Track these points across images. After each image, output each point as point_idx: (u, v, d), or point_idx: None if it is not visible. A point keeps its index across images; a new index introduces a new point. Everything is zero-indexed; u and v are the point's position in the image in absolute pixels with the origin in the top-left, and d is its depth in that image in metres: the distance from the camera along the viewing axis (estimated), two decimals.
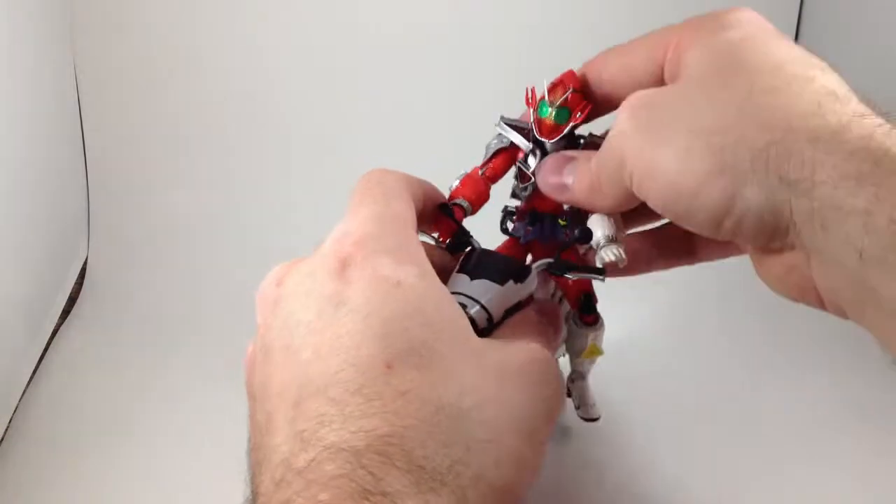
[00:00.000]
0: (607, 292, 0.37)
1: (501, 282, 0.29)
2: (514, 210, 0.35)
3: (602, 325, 0.36)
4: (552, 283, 0.35)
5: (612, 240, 0.30)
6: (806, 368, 0.48)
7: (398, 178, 0.28)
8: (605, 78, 0.30)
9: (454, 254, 0.32)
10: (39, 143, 0.52)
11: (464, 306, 0.27)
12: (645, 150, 0.25)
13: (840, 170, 0.21)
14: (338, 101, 0.61)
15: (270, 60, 0.60)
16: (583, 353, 0.37)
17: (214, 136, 0.60)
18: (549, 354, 0.26)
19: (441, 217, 0.32)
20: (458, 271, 0.30)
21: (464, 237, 0.32)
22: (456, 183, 0.33)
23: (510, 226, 0.35)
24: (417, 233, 0.27)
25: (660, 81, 0.28)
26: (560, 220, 0.33)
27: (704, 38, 0.26)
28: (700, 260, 0.33)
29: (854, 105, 0.23)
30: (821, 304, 0.25)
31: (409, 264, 0.24)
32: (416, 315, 0.23)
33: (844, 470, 0.41)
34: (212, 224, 0.59)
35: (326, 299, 0.23)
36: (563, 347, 0.38)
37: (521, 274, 0.30)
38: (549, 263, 0.32)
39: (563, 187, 0.30)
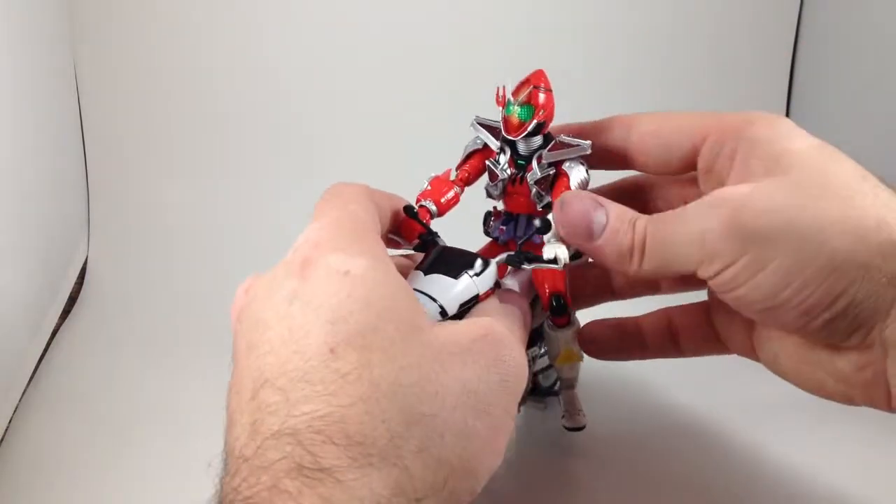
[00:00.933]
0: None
1: (456, 275, 0.29)
2: (493, 211, 0.36)
3: (575, 326, 0.36)
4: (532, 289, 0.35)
5: (562, 240, 0.31)
6: None
7: (356, 187, 0.30)
8: (633, 138, 0.31)
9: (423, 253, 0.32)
10: (39, 144, 0.52)
11: None
12: (751, 251, 0.26)
13: None
14: (338, 102, 0.61)
15: (270, 61, 0.61)
16: (558, 358, 0.37)
17: (214, 137, 0.61)
18: (502, 328, 0.27)
19: (407, 221, 0.32)
20: (416, 269, 0.30)
21: (430, 237, 0.32)
22: (425, 184, 0.34)
23: (491, 226, 0.36)
24: (380, 234, 0.28)
25: (691, 163, 0.30)
26: (535, 221, 0.34)
27: (776, 143, 0.27)
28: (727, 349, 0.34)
29: None
30: (887, 401, 0.26)
31: (359, 256, 0.25)
32: (362, 300, 0.24)
33: (849, 469, 0.41)
34: (212, 224, 0.59)
35: (284, 297, 0.24)
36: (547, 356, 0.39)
37: (479, 266, 0.30)
38: (509, 255, 0.32)
39: (590, 233, 0.29)
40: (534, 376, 0.41)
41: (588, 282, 0.37)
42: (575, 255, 0.31)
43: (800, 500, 0.40)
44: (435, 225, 0.33)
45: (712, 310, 0.33)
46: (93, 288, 0.55)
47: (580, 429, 0.40)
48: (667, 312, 0.35)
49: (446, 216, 0.34)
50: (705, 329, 0.34)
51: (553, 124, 0.33)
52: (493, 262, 0.31)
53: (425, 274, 0.29)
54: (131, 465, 0.42)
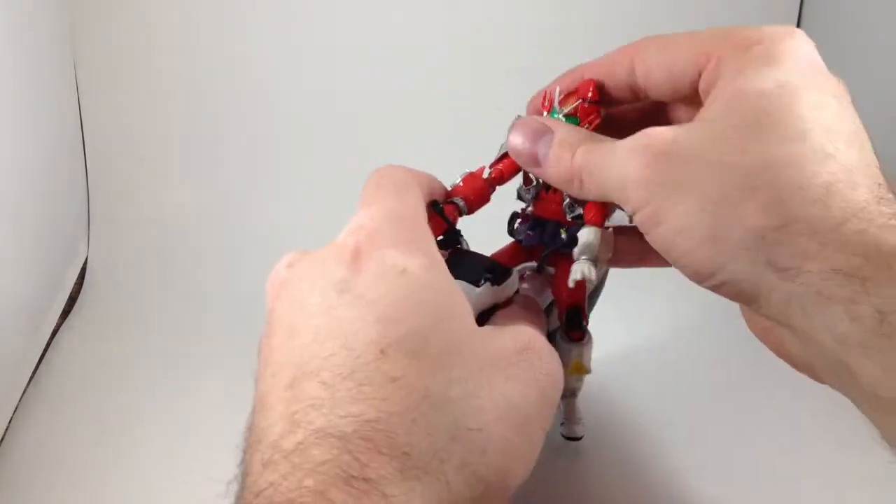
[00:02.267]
0: (613, 302, 0.37)
1: (476, 283, 0.29)
2: (520, 213, 0.35)
3: (589, 342, 0.36)
4: (549, 293, 0.35)
5: (590, 258, 0.30)
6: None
7: (407, 173, 0.29)
8: (640, 69, 0.30)
9: (444, 250, 0.32)
10: (39, 144, 0.52)
11: None
12: (653, 203, 0.25)
13: (830, 262, 0.22)
14: (338, 101, 0.61)
15: (271, 61, 0.60)
16: (568, 370, 0.37)
17: (215, 137, 0.61)
18: (543, 339, 0.26)
19: (433, 215, 0.31)
20: None
21: (453, 236, 0.32)
22: (458, 180, 0.33)
23: (515, 227, 0.35)
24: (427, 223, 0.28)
25: (696, 89, 0.28)
26: (562, 229, 0.33)
27: (741, 77, 0.26)
28: None
29: (863, 191, 0.24)
30: (795, 365, 0.26)
31: (417, 255, 0.24)
32: (417, 303, 0.23)
33: (851, 474, 0.41)
34: (212, 224, 0.59)
35: (333, 285, 0.24)
36: None
37: (498, 276, 0.29)
38: (531, 267, 0.32)
39: (533, 159, 0.30)
40: None
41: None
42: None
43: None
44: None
45: None
46: (93, 288, 0.55)
47: (577, 439, 0.40)
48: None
49: (476, 214, 0.34)
50: None
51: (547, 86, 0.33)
52: (515, 272, 0.30)
53: None
54: (131, 465, 0.42)
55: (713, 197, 0.24)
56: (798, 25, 0.64)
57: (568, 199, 0.32)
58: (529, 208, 0.35)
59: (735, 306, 0.27)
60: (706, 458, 0.42)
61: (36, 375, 0.48)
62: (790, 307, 0.23)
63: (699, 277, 0.25)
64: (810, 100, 0.26)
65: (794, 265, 0.23)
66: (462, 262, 0.30)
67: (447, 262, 0.29)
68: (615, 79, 0.31)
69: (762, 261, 0.24)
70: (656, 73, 0.29)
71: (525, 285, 0.34)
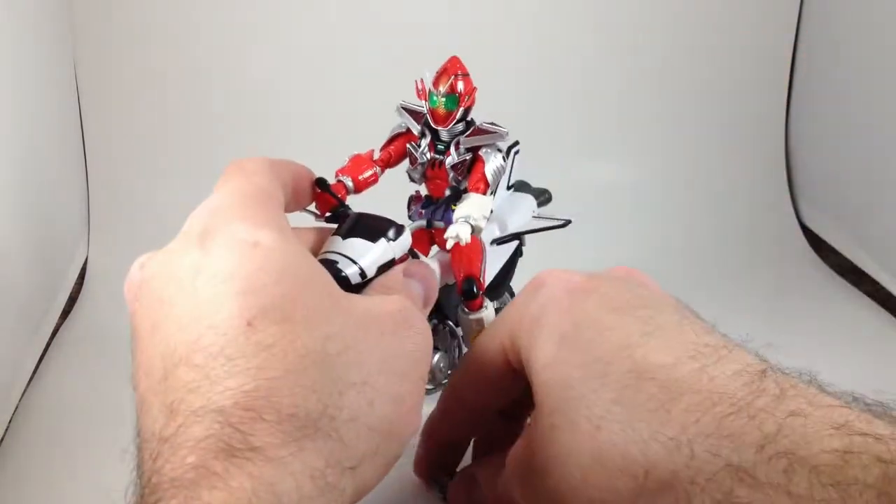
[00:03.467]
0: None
1: (373, 239, 0.29)
2: (415, 195, 0.36)
3: (487, 310, 0.37)
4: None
5: (467, 220, 0.31)
6: None
7: (258, 160, 0.29)
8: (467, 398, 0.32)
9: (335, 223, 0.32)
10: (40, 144, 0.52)
11: (335, 263, 0.28)
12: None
13: None
14: (338, 102, 0.61)
15: (271, 62, 0.61)
16: (472, 338, 0.38)
17: (214, 136, 0.61)
18: (409, 304, 0.27)
19: (320, 193, 0.32)
20: (334, 234, 0.30)
21: (343, 209, 0.32)
22: (346, 161, 0.35)
23: (412, 210, 0.36)
24: (282, 205, 0.28)
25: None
26: (453, 206, 0.34)
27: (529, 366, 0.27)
28: None
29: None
30: None
31: (266, 227, 0.24)
32: (275, 272, 0.23)
33: None
34: None
35: (186, 271, 0.23)
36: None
37: (395, 233, 0.30)
38: (420, 225, 0.33)
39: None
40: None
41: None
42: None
43: None
44: (354, 203, 0.34)
45: None
46: (93, 288, 0.55)
47: None
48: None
49: (376, 201, 0.34)
50: None
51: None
52: (408, 229, 0.31)
53: (343, 238, 0.29)
54: (130, 465, 0.42)
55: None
56: (798, 25, 0.64)
57: (452, 174, 0.34)
58: (424, 191, 0.36)
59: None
60: None
61: (36, 375, 0.48)
62: None
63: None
64: (577, 374, 0.25)
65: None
66: (357, 223, 0.30)
67: (342, 225, 0.30)
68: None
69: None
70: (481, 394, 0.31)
71: (431, 261, 0.35)
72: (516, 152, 0.35)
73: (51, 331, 0.51)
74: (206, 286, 0.23)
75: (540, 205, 0.40)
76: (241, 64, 0.60)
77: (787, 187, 0.66)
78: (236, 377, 0.21)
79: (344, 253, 0.28)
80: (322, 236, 0.31)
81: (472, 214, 0.32)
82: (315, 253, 0.29)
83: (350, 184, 0.34)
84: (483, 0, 0.61)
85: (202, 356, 0.21)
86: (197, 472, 0.19)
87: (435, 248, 0.37)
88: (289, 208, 0.30)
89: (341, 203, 0.32)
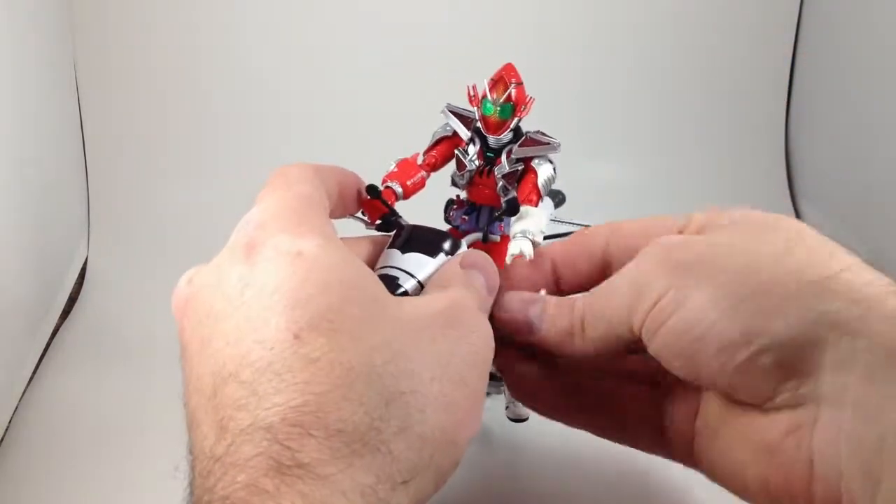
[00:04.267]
0: None
1: (432, 253, 0.29)
2: (456, 200, 0.36)
3: None
4: None
5: (527, 235, 0.31)
6: None
7: (301, 167, 0.28)
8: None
9: (386, 233, 0.32)
10: (40, 144, 0.52)
11: (395, 279, 0.27)
12: (676, 286, 0.25)
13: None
14: (338, 101, 0.61)
15: (271, 62, 0.61)
16: None
17: (215, 137, 0.61)
18: (467, 297, 0.26)
19: (370, 200, 0.32)
20: (389, 247, 0.30)
21: (392, 219, 0.32)
22: (392, 166, 0.33)
23: (451, 214, 0.36)
24: (328, 211, 0.28)
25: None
26: (497, 214, 0.34)
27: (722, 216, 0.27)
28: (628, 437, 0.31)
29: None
30: (805, 489, 0.23)
31: (309, 236, 0.24)
32: (320, 282, 0.23)
33: None
34: (212, 224, 0.59)
35: (233, 285, 0.23)
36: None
37: (451, 247, 0.30)
38: (478, 238, 0.32)
39: (526, 324, 0.29)
40: None
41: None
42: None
43: None
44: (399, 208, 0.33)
45: (661, 397, 0.30)
46: (93, 288, 0.55)
47: (524, 420, 0.40)
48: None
49: (409, 202, 0.34)
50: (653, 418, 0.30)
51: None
52: (464, 242, 0.31)
53: (402, 252, 0.29)
54: (131, 466, 0.42)
55: (744, 268, 0.24)
56: (798, 25, 0.64)
57: (502, 183, 0.33)
58: (464, 195, 0.35)
59: None
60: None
61: (36, 375, 0.48)
62: (848, 373, 0.21)
63: (730, 351, 0.23)
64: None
65: (854, 315, 0.21)
66: (413, 236, 0.30)
67: (397, 237, 0.30)
68: (587, 258, 0.31)
69: (814, 312, 0.22)
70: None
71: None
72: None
73: (51, 331, 0.51)
74: (253, 300, 0.22)
75: (555, 206, 0.40)
76: (242, 64, 0.60)
77: (787, 187, 0.66)
78: (283, 393, 0.21)
79: (403, 268, 0.28)
80: (377, 247, 0.30)
81: (529, 229, 0.31)
82: (370, 265, 0.29)
83: (399, 190, 0.33)
84: (484, 0, 0.61)
85: (250, 371, 0.21)
86: (248, 491, 0.19)
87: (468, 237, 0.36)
88: (334, 214, 0.29)
89: (392, 211, 0.32)
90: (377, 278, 0.25)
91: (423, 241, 0.30)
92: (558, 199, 0.41)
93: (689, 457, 0.28)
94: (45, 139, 0.54)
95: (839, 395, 0.22)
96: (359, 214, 0.32)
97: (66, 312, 0.53)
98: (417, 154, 0.34)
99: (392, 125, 0.61)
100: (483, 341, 0.26)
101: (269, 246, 0.24)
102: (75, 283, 0.55)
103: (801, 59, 0.65)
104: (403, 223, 0.32)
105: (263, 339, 0.22)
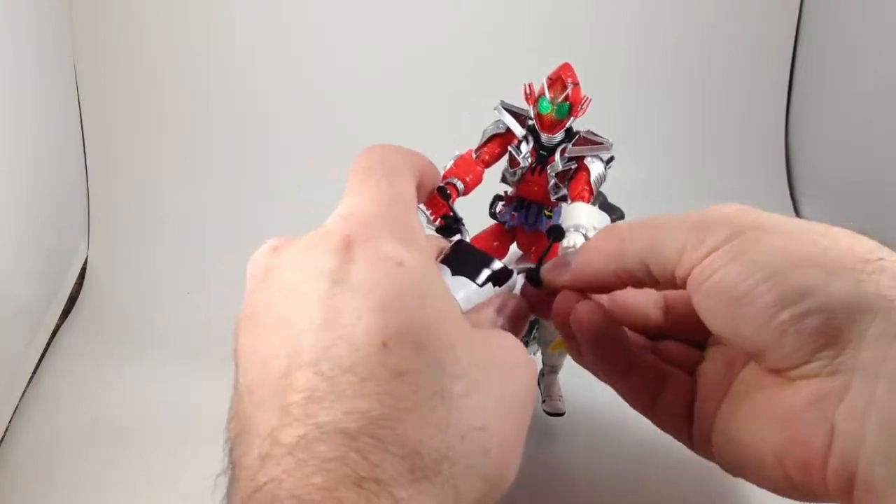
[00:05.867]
0: None
1: (482, 283, 0.29)
2: (503, 195, 0.36)
3: None
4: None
5: (580, 230, 0.31)
6: None
7: (400, 155, 0.28)
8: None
9: (445, 237, 0.32)
10: (39, 144, 0.52)
11: None
12: (743, 234, 0.24)
13: None
14: (337, 101, 0.61)
15: (270, 60, 0.61)
16: (551, 346, 0.38)
17: (214, 136, 0.61)
18: (518, 340, 0.26)
19: (435, 197, 0.32)
20: (442, 261, 0.29)
21: (455, 223, 0.32)
22: (450, 164, 0.34)
23: (499, 209, 0.36)
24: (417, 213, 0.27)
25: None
26: (546, 212, 0.34)
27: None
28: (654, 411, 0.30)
29: None
30: (821, 464, 0.22)
31: (412, 249, 0.24)
32: (416, 297, 0.22)
33: None
34: (212, 224, 0.59)
35: (326, 274, 0.22)
36: (536, 342, 0.38)
37: (501, 278, 0.29)
38: (529, 270, 0.31)
39: (566, 263, 0.29)
40: None
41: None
42: None
43: None
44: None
45: (698, 378, 0.30)
46: (93, 288, 0.55)
47: (560, 414, 0.40)
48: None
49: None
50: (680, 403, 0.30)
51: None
52: (516, 273, 0.30)
53: (453, 273, 0.29)
54: (131, 465, 0.42)
55: (808, 229, 0.24)
56: (798, 25, 0.64)
57: (554, 181, 0.33)
58: (511, 191, 0.35)
59: None
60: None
61: (36, 375, 0.48)
62: (889, 345, 0.21)
63: (776, 308, 0.23)
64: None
65: None
66: (466, 257, 0.29)
67: (450, 255, 0.29)
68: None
69: (870, 283, 0.22)
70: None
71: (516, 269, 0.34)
72: (611, 162, 0.35)
73: (51, 331, 0.51)
74: (345, 296, 0.22)
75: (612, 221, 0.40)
76: (242, 64, 0.60)
77: (787, 187, 0.66)
78: (365, 399, 0.20)
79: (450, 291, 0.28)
80: (437, 251, 0.30)
81: (582, 224, 0.31)
82: None
83: (461, 186, 0.33)
84: (484, 0, 0.61)
85: (329, 366, 0.21)
86: (323, 496, 0.19)
87: (514, 247, 0.37)
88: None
89: (455, 214, 0.32)
90: (456, 301, 0.25)
91: (471, 264, 0.29)
92: (616, 214, 0.41)
93: (706, 443, 0.28)
94: (45, 139, 0.54)
95: (876, 366, 0.22)
96: (421, 207, 0.32)
97: (66, 312, 0.53)
98: (471, 150, 0.34)
99: (393, 125, 0.61)
100: (532, 381, 0.25)
101: (371, 247, 0.23)
102: (75, 283, 0.55)
103: (801, 59, 0.65)
104: (463, 233, 0.32)
105: (350, 337, 0.21)
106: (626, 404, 0.31)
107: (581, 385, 0.43)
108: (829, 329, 0.22)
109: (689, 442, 0.29)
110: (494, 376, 0.23)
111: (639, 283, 0.27)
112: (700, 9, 0.63)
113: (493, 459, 0.22)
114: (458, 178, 0.33)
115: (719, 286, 0.24)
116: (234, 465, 0.21)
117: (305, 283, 0.23)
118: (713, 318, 0.25)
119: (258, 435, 0.21)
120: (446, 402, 0.21)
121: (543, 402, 0.40)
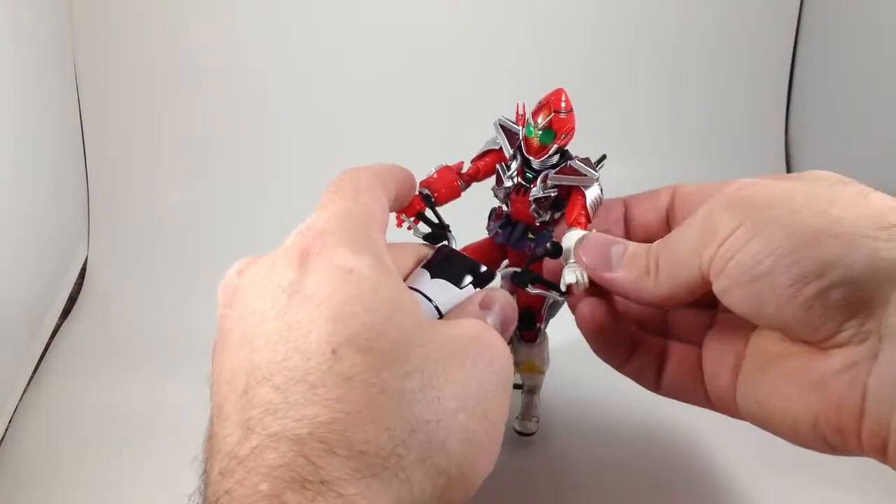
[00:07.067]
0: None
1: (460, 285, 0.29)
2: (498, 210, 0.36)
3: (543, 343, 0.37)
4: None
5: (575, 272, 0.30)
6: None
7: (370, 173, 0.28)
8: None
9: (431, 244, 0.32)
10: (40, 143, 0.52)
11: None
12: (748, 220, 0.24)
13: None
14: (337, 101, 0.61)
15: (269, 61, 0.61)
16: (520, 367, 0.38)
17: (214, 137, 0.61)
18: (491, 330, 0.26)
19: (415, 200, 0.32)
20: (423, 266, 0.29)
21: (441, 231, 0.32)
22: (432, 171, 0.34)
23: (488, 224, 0.36)
24: (386, 227, 0.28)
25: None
26: (529, 233, 0.34)
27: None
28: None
29: None
30: (856, 427, 0.23)
31: (365, 254, 0.24)
32: (365, 301, 0.23)
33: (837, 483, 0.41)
34: (212, 224, 0.59)
35: (282, 289, 0.24)
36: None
37: (482, 279, 0.29)
38: (515, 272, 0.32)
39: (605, 261, 0.29)
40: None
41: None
42: (561, 290, 0.31)
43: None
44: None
45: (705, 344, 0.31)
46: (93, 288, 0.55)
47: (529, 435, 0.40)
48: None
49: (456, 204, 0.34)
50: (693, 364, 0.31)
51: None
52: (498, 275, 0.30)
53: (431, 277, 0.29)
54: (130, 465, 0.42)
55: (812, 206, 0.24)
56: (798, 25, 0.64)
57: (534, 205, 0.33)
58: (506, 208, 0.35)
59: None
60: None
61: (36, 375, 0.48)
62: None
63: (800, 285, 0.23)
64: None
65: None
66: (447, 261, 0.30)
67: (433, 259, 0.30)
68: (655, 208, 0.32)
69: (886, 247, 0.22)
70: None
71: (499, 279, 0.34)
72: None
73: (51, 331, 0.51)
74: (300, 307, 0.23)
75: None
76: (242, 64, 0.60)
77: None
78: (314, 406, 0.21)
79: (426, 293, 0.28)
80: (417, 258, 0.30)
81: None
82: (404, 277, 0.29)
83: (433, 197, 0.33)
84: (484, 0, 0.61)
85: (283, 378, 0.21)
86: (268, 502, 0.19)
87: (505, 263, 0.36)
88: (391, 208, 0.30)
89: (441, 223, 0.32)
90: (417, 301, 0.25)
91: (455, 268, 0.29)
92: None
93: (725, 403, 0.28)
94: (45, 139, 0.54)
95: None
96: (403, 216, 0.33)
97: (66, 312, 0.53)
98: (462, 162, 0.34)
99: (394, 126, 0.61)
100: (506, 370, 0.26)
101: (325, 257, 0.24)
102: (75, 283, 0.55)
103: (801, 59, 0.65)
104: (450, 239, 0.32)
105: (302, 348, 0.22)
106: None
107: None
108: (853, 300, 0.22)
109: (706, 403, 0.30)
110: (455, 368, 0.24)
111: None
112: (700, 9, 0.63)
113: (452, 451, 0.22)
114: (432, 190, 0.33)
115: (739, 269, 0.24)
116: (204, 483, 0.22)
117: (265, 300, 0.24)
118: (736, 300, 0.25)
119: (220, 452, 0.22)
120: (395, 400, 0.22)
121: (516, 419, 0.40)
